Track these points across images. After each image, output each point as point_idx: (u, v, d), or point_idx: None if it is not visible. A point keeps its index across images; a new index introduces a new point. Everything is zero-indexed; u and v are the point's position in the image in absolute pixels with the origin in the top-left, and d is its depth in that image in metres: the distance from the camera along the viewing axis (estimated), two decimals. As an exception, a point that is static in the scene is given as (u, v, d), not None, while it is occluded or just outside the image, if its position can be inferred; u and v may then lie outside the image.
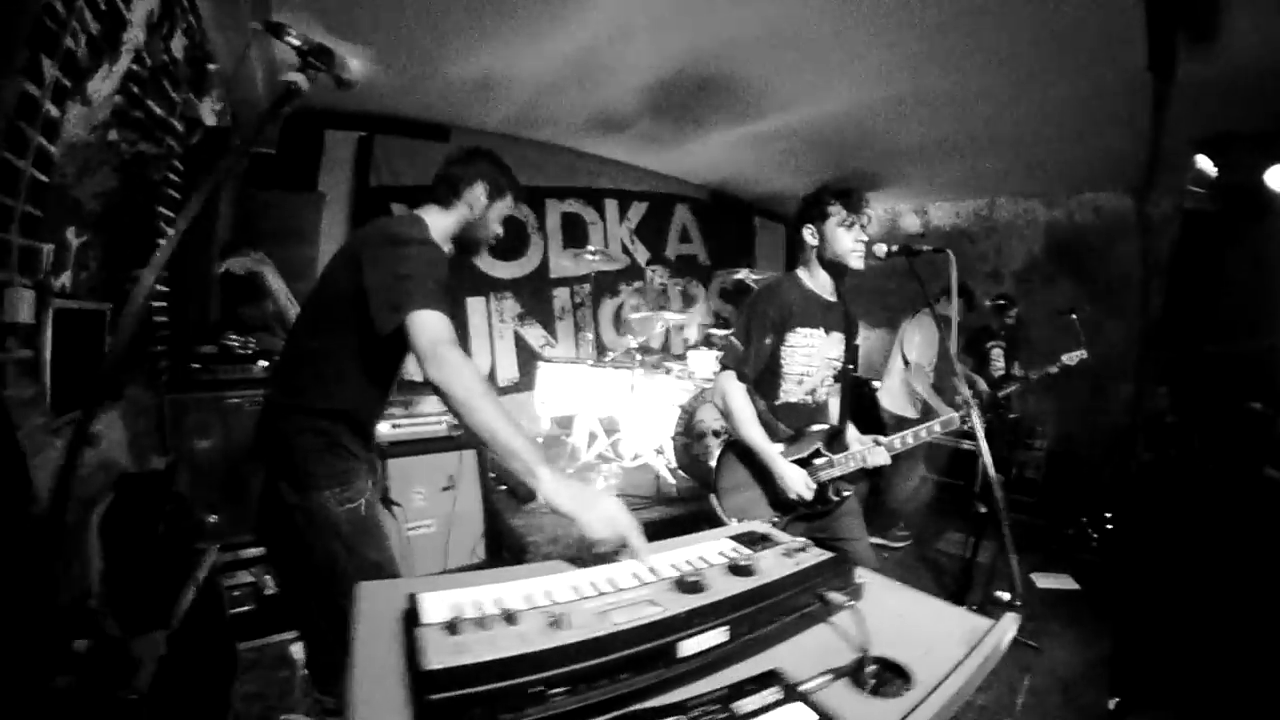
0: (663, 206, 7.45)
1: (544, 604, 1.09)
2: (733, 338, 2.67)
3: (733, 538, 1.53)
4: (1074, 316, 5.73)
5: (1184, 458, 5.22)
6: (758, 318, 2.63)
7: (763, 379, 2.67)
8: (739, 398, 2.61)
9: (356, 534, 2.02)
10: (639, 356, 5.22)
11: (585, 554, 1.42)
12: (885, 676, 1.09)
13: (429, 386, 1.63)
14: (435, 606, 1.06)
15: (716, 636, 1.07)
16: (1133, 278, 6.54)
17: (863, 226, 2.61)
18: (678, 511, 4.45)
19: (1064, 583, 5.18)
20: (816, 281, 2.72)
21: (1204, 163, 4.83)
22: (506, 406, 1.57)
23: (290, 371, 2.11)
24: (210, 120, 3.59)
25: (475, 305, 6.07)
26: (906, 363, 5.25)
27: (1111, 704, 3.69)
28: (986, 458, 2.25)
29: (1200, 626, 3.81)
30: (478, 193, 2.21)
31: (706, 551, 1.42)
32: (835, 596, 1.25)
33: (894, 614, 1.32)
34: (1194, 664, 3.66)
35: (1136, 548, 5.28)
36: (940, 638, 1.24)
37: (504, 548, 4.04)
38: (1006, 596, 4.42)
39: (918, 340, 5.36)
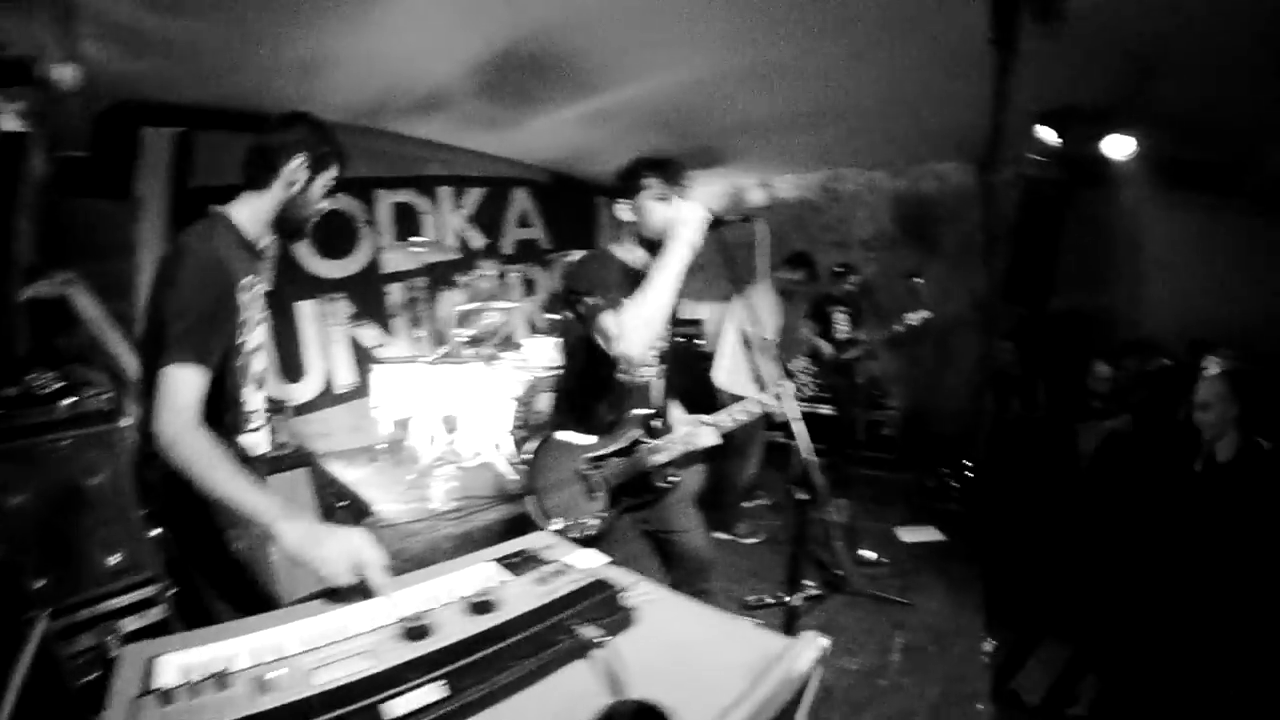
0: (500, 191, 7.24)
1: (265, 661, 1.02)
2: (585, 298, 2.41)
3: (500, 559, 1.40)
4: (918, 280, 6.01)
5: (1028, 407, 5.56)
6: (593, 278, 2.45)
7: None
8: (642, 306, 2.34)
9: (241, 578, 1.88)
10: (473, 351, 5.12)
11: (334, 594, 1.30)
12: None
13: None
14: (167, 670, 1.00)
15: (432, 693, 0.92)
16: (977, 242, 6.88)
17: (681, 199, 2.48)
18: (521, 509, 4.36)
19: (929, 535, 5.37)
20: (633, 256, 2.57)
21: (1045, 134, 5.10)
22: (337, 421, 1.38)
23: (142, 410, 1.85)
24: (10, 125, 3.16)
25: (306, 310, 5.69)
26: (746, 339, 5.30)
27: (988, 647, 3.82)
28: (802, 439, 2.18)
29: (1061, 561, 4.00)
30: (297, 165, 1.92)
31: (463, 581, 1.29)
32: (587, 631, 1.09)
33: (673, 642, 1.18)
34: (1061, 597, 3.82)
35: (994, 493, 5.58)
36: (722, 669, 1.09)
37: None
38: (873, 556, 4.56)
39: (759, 313, 5.47)
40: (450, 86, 4.90)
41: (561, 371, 2.75)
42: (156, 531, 1.99)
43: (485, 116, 5.60)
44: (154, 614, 2.66)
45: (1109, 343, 5.55)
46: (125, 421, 2.71)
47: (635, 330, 2.28)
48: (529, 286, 7.63)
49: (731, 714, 0.97)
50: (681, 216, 2.32)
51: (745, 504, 5.37)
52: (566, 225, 7.91)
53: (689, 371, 2.97)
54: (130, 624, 2.67)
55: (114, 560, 2.79)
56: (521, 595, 1.18)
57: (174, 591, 2.38)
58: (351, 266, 5.98)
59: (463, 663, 0.98)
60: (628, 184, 2.51)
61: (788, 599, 2.40)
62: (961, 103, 4.83)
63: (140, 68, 4.17)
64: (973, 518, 5.62)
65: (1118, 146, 4.96)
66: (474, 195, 6.96)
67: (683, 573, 2.74)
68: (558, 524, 2.40)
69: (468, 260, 6.78)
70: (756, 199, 8.20)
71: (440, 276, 6.59)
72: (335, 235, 5.81)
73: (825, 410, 5.97)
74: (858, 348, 6.00)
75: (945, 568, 4.75)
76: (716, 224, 2.38)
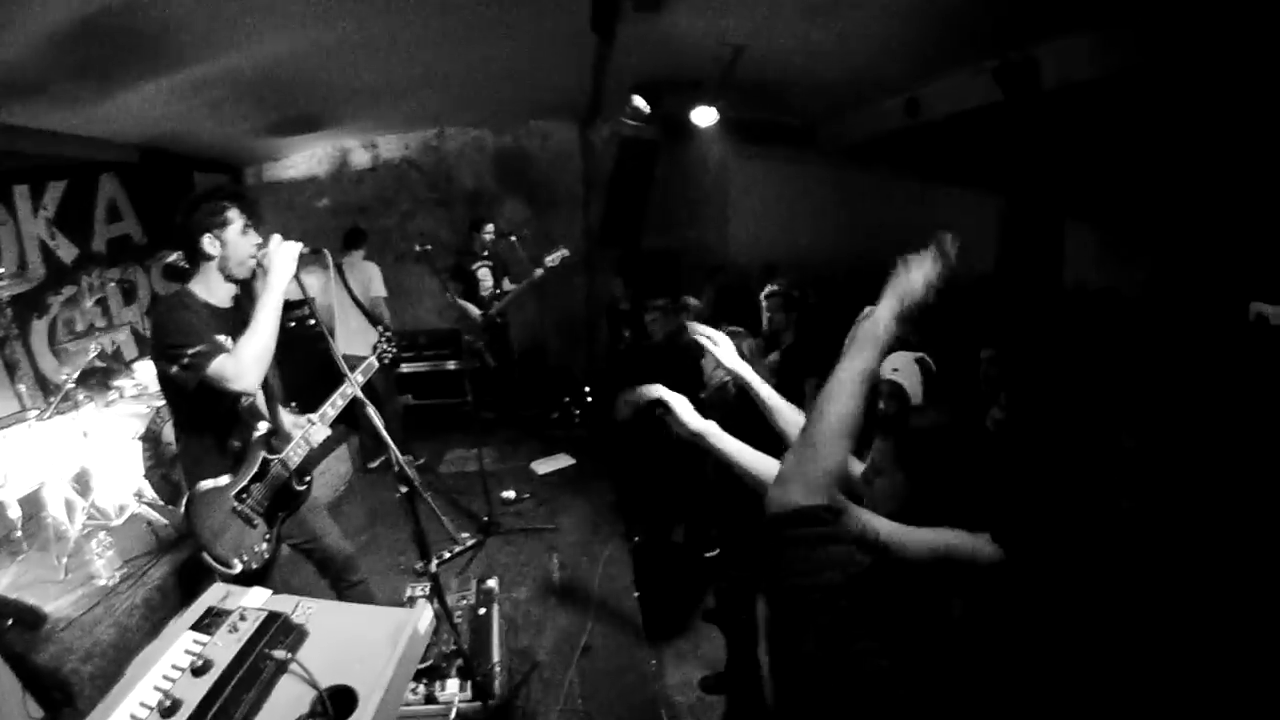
0: (85, 180, 6.60)
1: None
2: (187, 350, 2.59)
3: (193, 626, 1.87)
4: (514, 239, 6.82)
5: (637, 336, 6.75)
6: (187, 328, 2.64)
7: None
8: (254, 343, 2.64)
9: None
10: (80, 394, 4.83)
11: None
12: (338, 702, 1.59)
13: None
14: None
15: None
16: (577, 193, 8.09)
17: (258, 230, 2.82)
18: (186, 554, 4.38)
19: (561, 462, 6.39)
20: (213, 293, 2.84)
21: (639, 102, 6.31)
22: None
23: None
24: None
25: None
26: (358, 301, 5.88)
27: (631, 542, 4.96)
28: (378, 423, 2.70)
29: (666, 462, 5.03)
30: None
31: (176, 655, 1.76)
32: (279, 654, 1.71)
33: (336, 638, 1.85)
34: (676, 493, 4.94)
35: (612, 414, 6.71)
36: (374, 646, 1.80)
37: (51, 689, 3.64)
38: (512, 494, 5.64)
39: (378, 274, 6.28)
40: (24, 62, 4.44)
41: (175, 422, 3.01)
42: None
43: (64, 94, 5.12)
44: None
45: (703, 275, 7.00)
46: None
47: (252, 368, 2.63)
48: (129, 294, 6.97)
49: (387, 669, 1.70)
50: (280, 251, 2.70)
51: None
52: (163, 211, 6.99)
53: (313, 354, 3.31)
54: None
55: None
56: (225, 647, 1.71)
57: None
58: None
59: (212, 713, 1.52)
60: (213, 216, 2.76)
61: (431, 568, 2.96)
62: (563, 69, 5.70)
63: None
64: (597, 438, 6.77)
65: (704, 115, 6.24)
66: (55, 190, 6.20)
67: (334, 573, 3.32)
68: (236, 564, 2.79)
69: (59, 274, 6.13)
70: (360, 160, 8.61)
71: (29, 302, 5.77)
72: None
73: (490, 362, 6.71)
74: (506, 298, 6.76)
75: (582, 487, 5.83)
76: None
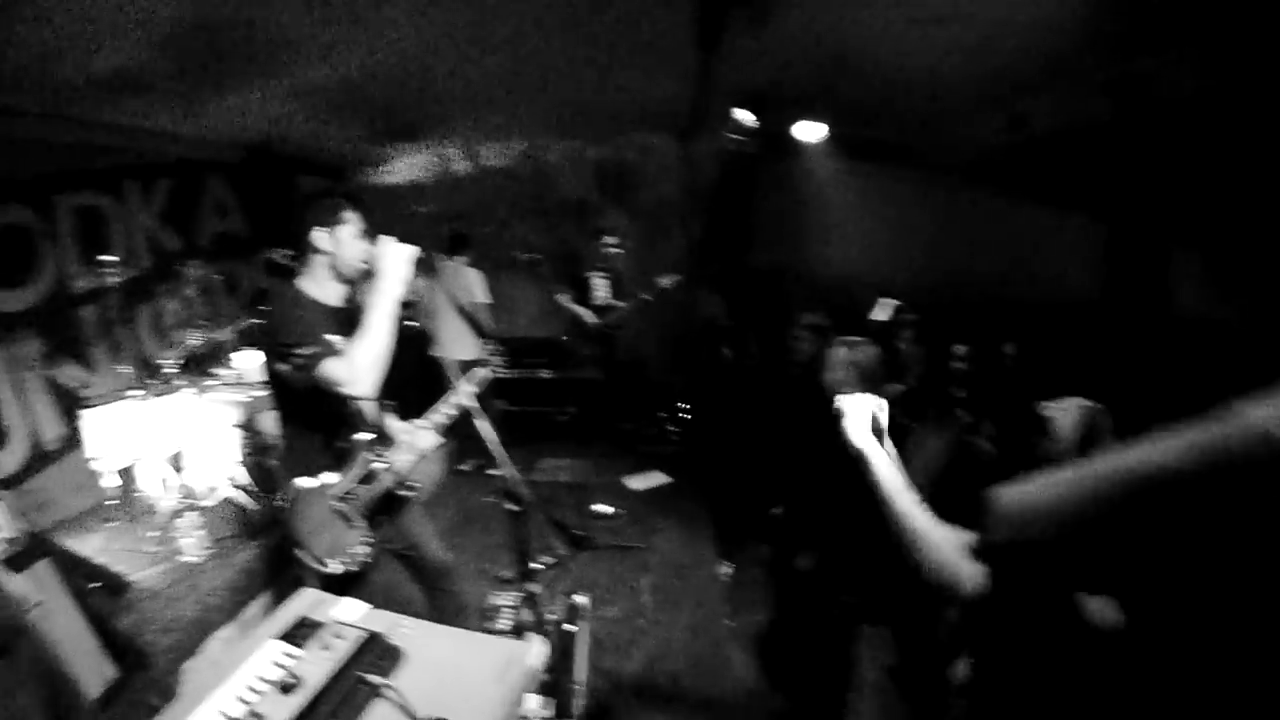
0: (193, 178, 6.79)
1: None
2: (299, 349, 2.56)
3: (283, 637, 1.76)
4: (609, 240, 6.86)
5: (740, 355, 6.54)
6: (300, 327, 2.61)
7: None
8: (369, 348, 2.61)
9: None
10: (184, 377, 4.98)
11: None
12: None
13: None
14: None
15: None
16: (677, 206, 7.92)
17: (370, 235, 2.79)
18: (275, 540, 4.41)
19: (655, 479, 6.19)
20: (327, 292, 2.81)
21: (743, 115, 6.09)
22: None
23: None
24: None
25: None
26: (460, 306, 5.80)
27: (723, 570, 4.68)
28: (489, 439, 2.65)
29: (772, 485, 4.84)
30: None
31: (262, 666, 1.64)
32: (375, 679, 1.58)
33: (437, 665, 1.71)
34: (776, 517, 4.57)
35: (714, 435, 6.49)
36: (479, 678, 1.65)
37: (127, 654, 3.70)
38: (608, 510, 5.37)
39: (480, 281, 6.16)
40: (135, 62, 4.53)
41: (281, 417, 2.95)
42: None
43: (177, 93, 5.26)
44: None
45: (807, 294, 6.74)
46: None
47: (367, 372, 2.59)
48: (232, 288, 7.14)
49: (495, 711, 1.55)
50: (395, 255, 2.67)
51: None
52: (268, 209, 7.55)
53: (414, 355, 3.23)
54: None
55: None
56: (317, 666, 1.60)
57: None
58: (34, 295, 5.22)
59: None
60: (328, 213, 2.74)
61: (532, 589, 2.83)
62: (665, 81, 5.53)
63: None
64: (694, 458, 6.51)
65: (809, 130, 6.03)
66: (164, 186, 6.43)
67: (428, 581, 3.20)
68: (335, 565, 2.72)
69: (165, 266, 6.34)
70: (461, 168, 8.63)
71: (136, 291, 6.07)
72: (9, 257, 5.04)
73: (591, 375, 6.63)
74: (618, 311, 6.70)
75: (676, 506, 5.61)
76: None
